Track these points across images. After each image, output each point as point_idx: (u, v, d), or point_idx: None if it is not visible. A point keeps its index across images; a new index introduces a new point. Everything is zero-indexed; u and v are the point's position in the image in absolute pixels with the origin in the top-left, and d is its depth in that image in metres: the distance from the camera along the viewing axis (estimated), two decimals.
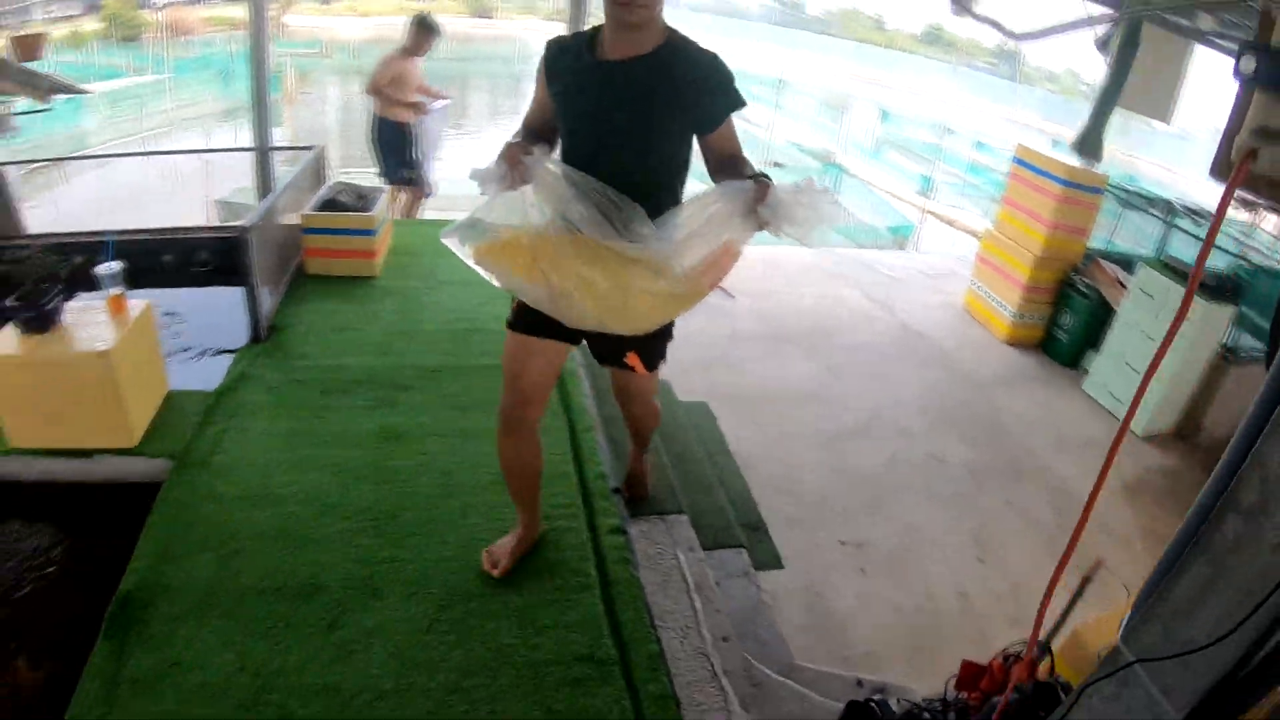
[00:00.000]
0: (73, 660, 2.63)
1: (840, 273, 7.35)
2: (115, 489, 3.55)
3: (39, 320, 3.37)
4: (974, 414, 5.21)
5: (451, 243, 2.32)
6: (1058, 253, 6.04)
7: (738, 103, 2.35)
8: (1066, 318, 6.08)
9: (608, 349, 2.70)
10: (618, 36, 2.27)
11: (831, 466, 4.47)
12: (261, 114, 6.00)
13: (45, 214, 9.33)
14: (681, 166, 2.45)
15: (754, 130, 19.20)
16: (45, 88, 8.27)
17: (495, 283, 2.32)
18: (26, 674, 2.88)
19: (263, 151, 6.03)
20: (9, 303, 3.36)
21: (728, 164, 2.34)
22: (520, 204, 2.26)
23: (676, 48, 2.29)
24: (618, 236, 2.18)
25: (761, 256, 7.33)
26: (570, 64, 2.38)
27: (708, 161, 2.42)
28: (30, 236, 5.43)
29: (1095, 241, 6.52)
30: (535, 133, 2.48)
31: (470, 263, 2.31)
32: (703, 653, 2.79)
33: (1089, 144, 1.51)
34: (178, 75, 21.61)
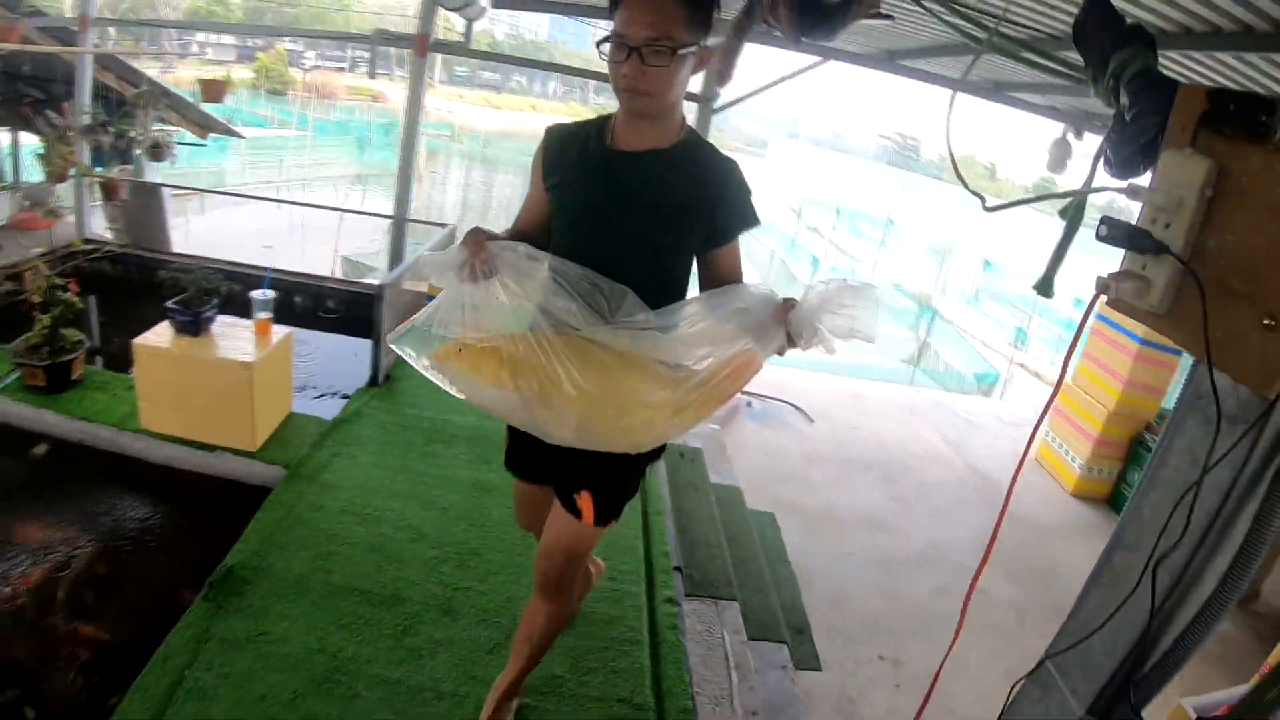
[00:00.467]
0: (151, 622, 3.00)
1: (921, 412, 7.53)
2: (228, 485, 3.96)
3: (193, 324, 3.82)
4: (1028, 558, 5.29)
5: (403, 349, 2.05)
6: (1131, 410, 6.08)
7: (751, 220, 2.10)
8: (1135, 475, 6.06)
9: (563, 482, 2.34)
10: (629, 126, 2.04)
11: (883, 589, 4.61)
12: (404, 186, 6.48)
13: (177, 237, 9.92)
14: (682, 281, 2.15)
15: (858, 267, 19.50)
16: (212, 127, 8.98)
17: (456, 393, 2.03)
18: (113, 625, 3.24)
19: (400, 221, 6.47)
20: (170, 304, 3.82)
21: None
22: (485, 298, 1.96)
23: (695, 148, 2.06)
24: (605, 324, 1.90)
25: (849, 389, 7.63)
26: (573, 154, 2.10)
27: (704, 283, 2.15)
28: (198, 258, 5.95)
29: (1173, 400, 6.54)
30: (524, 238, 2.10)
31: (424, 370, 2.04)
32: None
33: (1044, 286, 1.71)
34: (318, 135, 22.74)
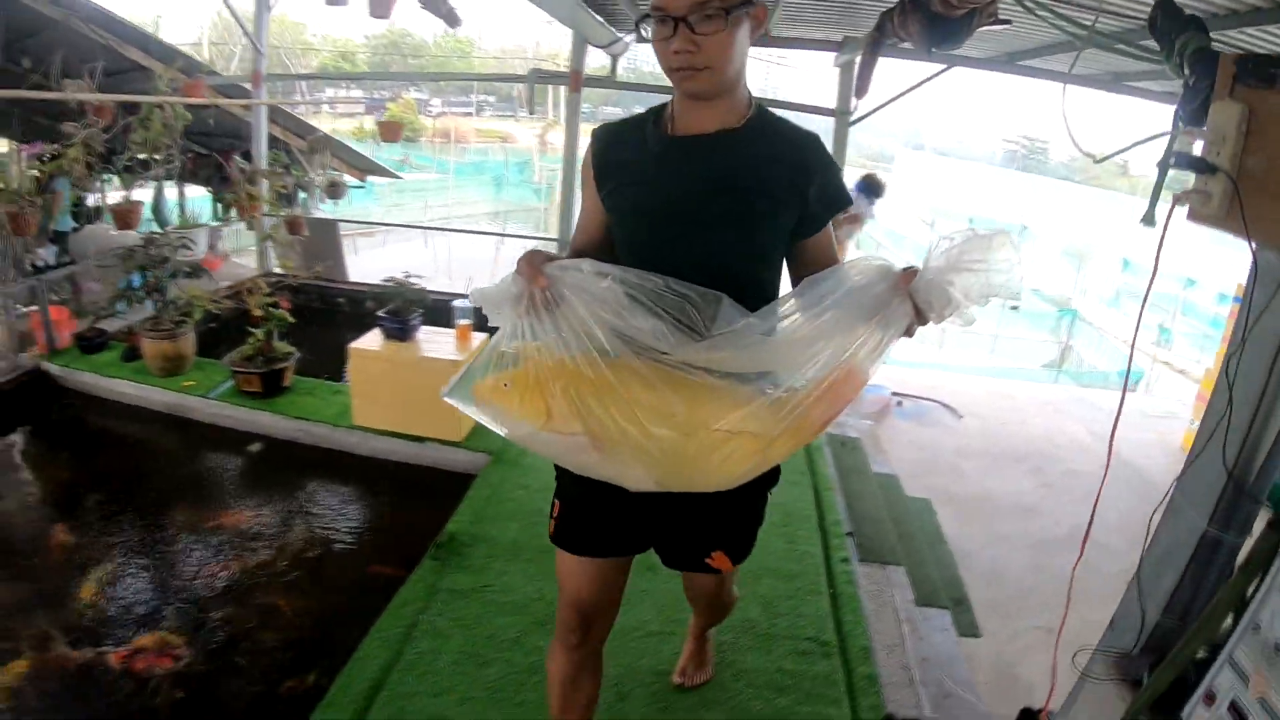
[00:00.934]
0: (364, 597, 3.47)
1: (1065, 408, 7.60)
2: (435, 473, 4.45)
3: (401, 331, 4.31)
4: None
5: (455, 401, 1.73)
6: None
7: (844, 200, 1.82)
8: None
9: (683, 549, 2.09)
10: (689, 110, 1.75)
11: (1036, 567, 4.76)
12: (567, 211, 6.95)
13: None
14: (775, 283, 1.84)
15: None
16: (370, 170, 9.66)
17: (501, 432, 1.70)
18: (324, 596, 3.68)
19: (565, 242, 6.90)
20: (381, 313, 4.32)
21: None
22: (550, 332, 1.60)
23: (770, 123, 1.78)
24: (701, 340, 1.55)
25: (994, 389, 7.81)
26: (629, 150, 1.83)
27: (794, 274, 1.88)
28: (371, 285, 6.52)
29: None
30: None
31: (472, 413, 1.71)
32: (904, 665, 3.26)
33: (1148, 218, 1.89)
34: (457, 177, 23.69)
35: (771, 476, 1.93)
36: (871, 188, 7.07)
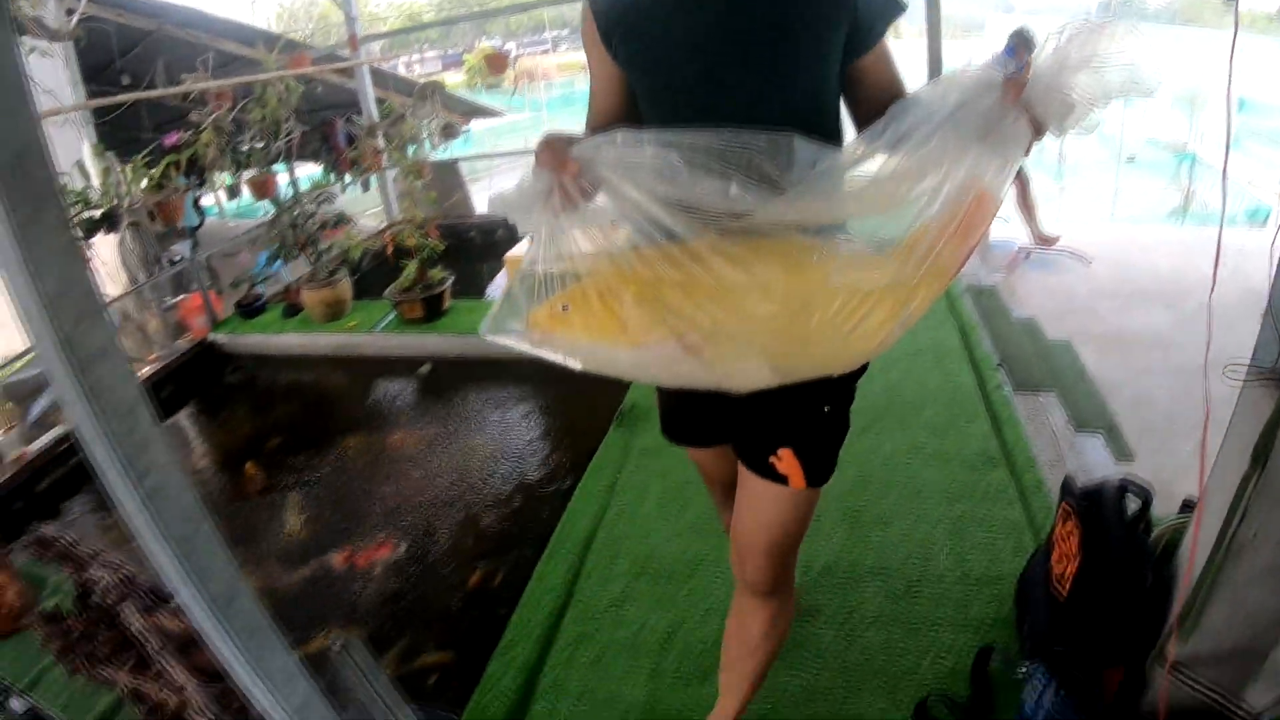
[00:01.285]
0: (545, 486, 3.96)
1: (1192, 247, 7.57)
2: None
3: None
4: None
5: (502, 338, 1.41)
6: None
7: (895, 7, 1.53)
8: None
9: (751, 443, 1.76)
10: None
11: (1181, 395, 4.82)
12: None
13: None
14: (837, 117, 1.57)
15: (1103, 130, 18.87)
16: (473, 113, 9.93)
17: (575, 364, 1.41)
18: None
19: None
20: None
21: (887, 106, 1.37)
22: (597, 226, 1.32)
23: None
24: (784, 192, 1.24)
25: (1120, 236, 7.83)
26: None
27: (854, 105, 1.59)
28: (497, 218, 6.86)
29: None
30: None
31: (530, 349, 1.40)
32: (1069, 473, 3.45)
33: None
34: (549, 112, 24.46)
35: (854, 372, 1.70)
36: (1023, 44, 6.65)
